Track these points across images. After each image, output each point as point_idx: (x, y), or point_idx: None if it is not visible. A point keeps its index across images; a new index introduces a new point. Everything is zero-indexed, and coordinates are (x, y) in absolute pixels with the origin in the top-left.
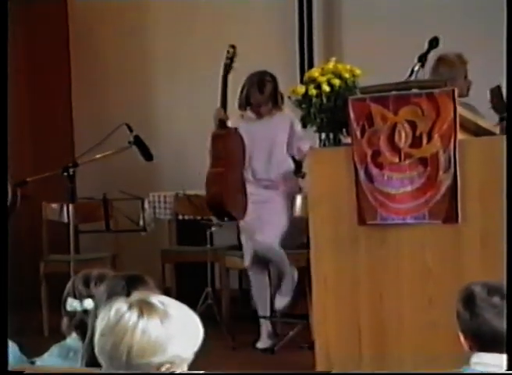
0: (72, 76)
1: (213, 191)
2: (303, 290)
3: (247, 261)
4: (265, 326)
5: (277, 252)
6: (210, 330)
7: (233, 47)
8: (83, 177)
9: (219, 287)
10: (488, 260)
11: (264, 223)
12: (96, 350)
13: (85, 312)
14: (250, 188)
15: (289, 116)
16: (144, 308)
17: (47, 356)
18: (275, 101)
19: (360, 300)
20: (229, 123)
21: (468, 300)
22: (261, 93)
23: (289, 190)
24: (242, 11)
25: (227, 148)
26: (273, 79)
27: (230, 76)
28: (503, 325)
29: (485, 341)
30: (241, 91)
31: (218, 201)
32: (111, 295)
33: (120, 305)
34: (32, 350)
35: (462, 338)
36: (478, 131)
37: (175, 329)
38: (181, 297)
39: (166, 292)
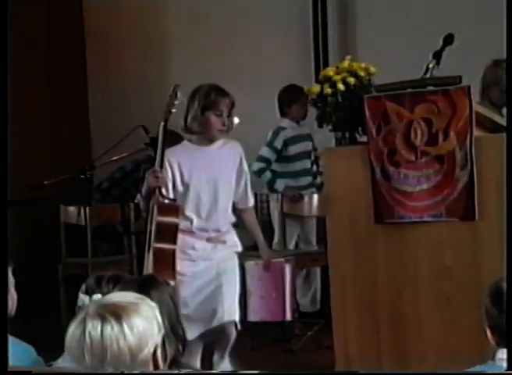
0: (89, 78)
1: None
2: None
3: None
4: None
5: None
6: None
7: (175, 89)
8: (101, 180)
9: None
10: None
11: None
12: (91, 369)
13: None
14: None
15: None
16: (115, 310)
17: (61, 360)
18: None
19: (378, 298)
20: None
21: (497, 296)
22: None
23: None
24: (256, 10)
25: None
26: None
27: None
28: None
29: None
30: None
31: None
32: None
33: (92, 322)
34: (51, 353)
35: (489, 334)
36: (494, 128)
37: (148, 312)
38: None
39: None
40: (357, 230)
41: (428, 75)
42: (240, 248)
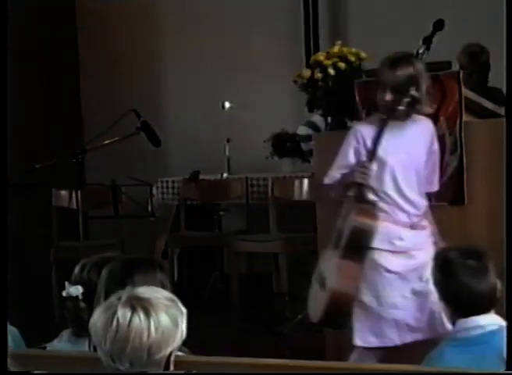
0: (81, 63)
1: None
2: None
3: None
4: None
5: None
6: (219, 313)
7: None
8: (93, 164)
9: (228, 271)
10: (494, 240)
11: None
12: (108, 355)
13: (77, 298)
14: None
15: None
16: (146, 306)
17: (56, 342)
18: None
19: None
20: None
21: (444, 265)
22: None
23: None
24: None
25: None
26: None
27: None
28: (480, 286)
29: (466, 304)
30: None
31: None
32: (109, 284)
33: (123, 310)
34: (43, 335)
35: (444, 306)
36: (483, 113)
37: (176, 315)
38: (189, 281)
39: (174, 277)
40: None
41: None
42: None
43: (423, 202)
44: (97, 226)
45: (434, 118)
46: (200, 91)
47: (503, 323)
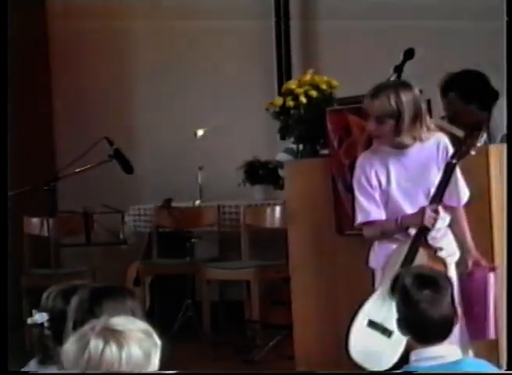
0: (53, 89)
1: None
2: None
3: None
4: None
5: None
6: (191, 341)
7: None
8: (65, 191)
9: (200, 299)
10: None
11: None
12: None
13: (42, 326)
14: None
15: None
16: (119, 338)
17: (25, 370)
18: None
19: (339, 309)
20: None
21: (402, 293)
22: None
23: None
24: (218, 23)
25: None
26: None
27: None
28: (437, 315)
29: (425, 333)
30: None
31: None
32: (77, 312)
33: (96, 341)
34: (14, 364)
35: (404, 329)
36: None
37: (149, 348)
38: (161, 309)
39: (146, 305)
40: (318, 241)
41: None
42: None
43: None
44: (69, 254)
45: None
46: (173, 119)
47: (461, 355)
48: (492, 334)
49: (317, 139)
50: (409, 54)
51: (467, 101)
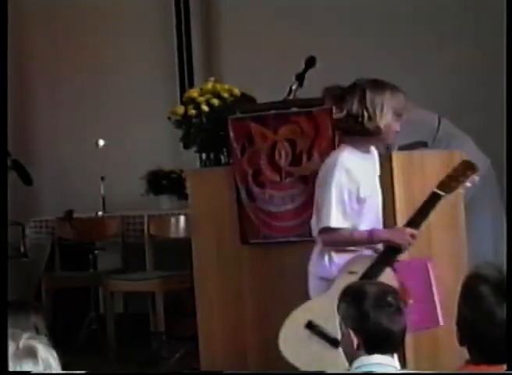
0: None
1: None
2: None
3: None
4: None
5: None
6: (95, 355)
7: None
8: None
9: (104, 312)
10: None
11: None
12: None
13: None
14: None
15: None
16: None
17: None
18: None
19: (245, 319)
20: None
21: (360, 300)
22: None
23: None
24: (119, 28)
25: None
26: None
27: None
28: (394, 326)
29: (375, 341)
30: None
31: None
32: None
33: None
34: None
35: (352, 335)
36: None
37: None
38: (63, 323)
39: (49, 319)
40: (222, 251)
41: (291, 96)
42: None
43: None
44: None
45: (308, 155)
46: (74, 129)
47: (398, 368)
48: (441, 321)
49: (220, 148)
50: (310, 62)
51: None
